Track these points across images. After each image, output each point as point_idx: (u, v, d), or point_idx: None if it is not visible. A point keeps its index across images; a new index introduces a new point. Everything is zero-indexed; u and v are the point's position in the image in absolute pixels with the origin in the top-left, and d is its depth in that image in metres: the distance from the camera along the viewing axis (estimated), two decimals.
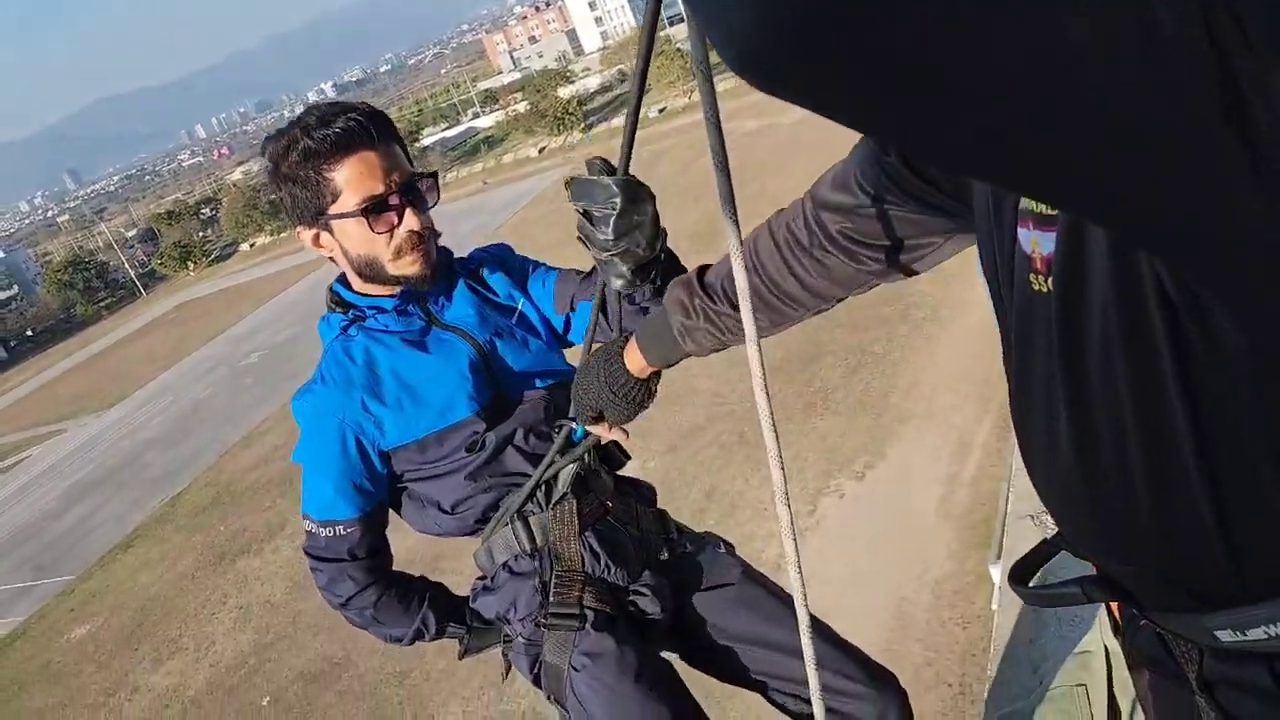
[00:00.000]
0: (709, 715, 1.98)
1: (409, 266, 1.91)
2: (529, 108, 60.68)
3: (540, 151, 52.79)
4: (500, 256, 2.17)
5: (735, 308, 1.38)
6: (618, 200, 1.44)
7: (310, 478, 1.98)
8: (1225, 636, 0.88)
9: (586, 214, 1.49)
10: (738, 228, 1.16)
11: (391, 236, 1.87)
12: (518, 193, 39.97)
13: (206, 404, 25.87)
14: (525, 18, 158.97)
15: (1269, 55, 0.50)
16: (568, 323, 2.10)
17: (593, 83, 69.26)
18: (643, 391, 1.61)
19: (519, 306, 2.09)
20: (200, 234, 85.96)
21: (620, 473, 2.14)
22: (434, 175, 1.95)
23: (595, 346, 1.67)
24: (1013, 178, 0.62)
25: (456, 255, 2.11)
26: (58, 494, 24.38)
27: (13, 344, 79.58)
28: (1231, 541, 0.81)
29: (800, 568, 1.28)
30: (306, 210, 1.87)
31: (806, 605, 1.33)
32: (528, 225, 30.80)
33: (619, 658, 1.88)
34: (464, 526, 2.03)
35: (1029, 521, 3.49)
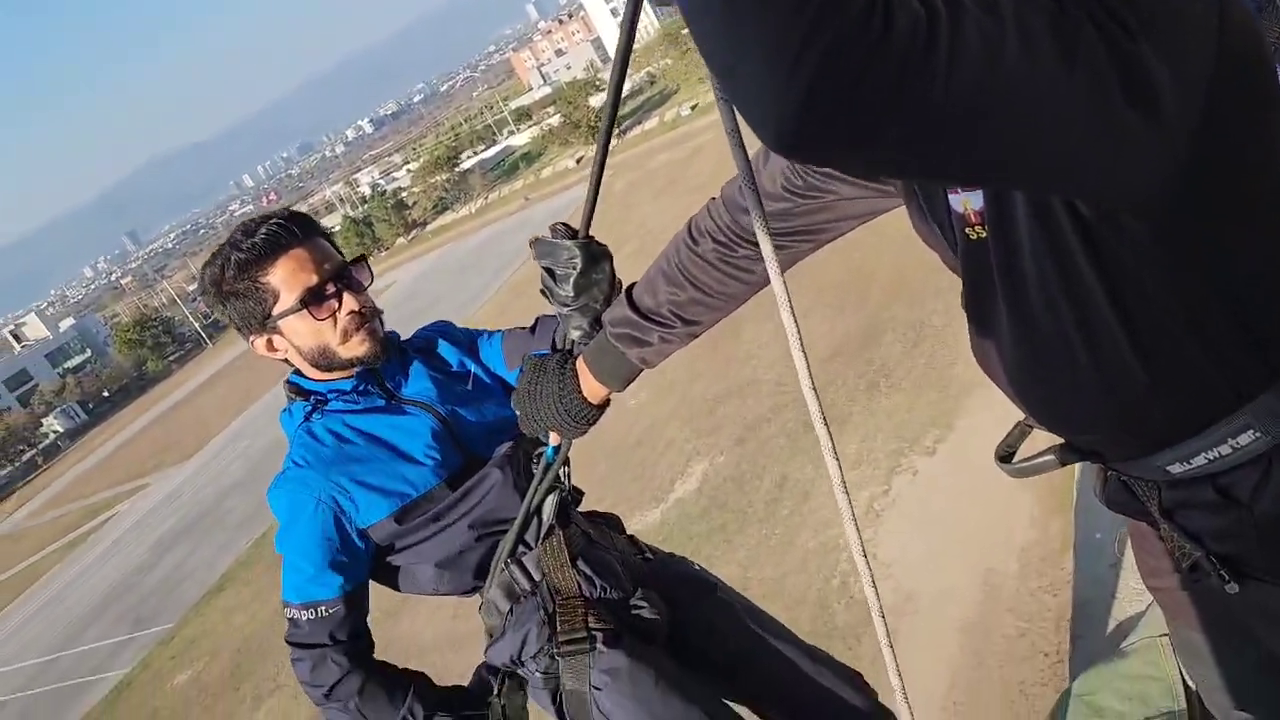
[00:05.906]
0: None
1: (359, 347, 2.02)
2: (562, 120, 60.99)
3: (578, 161, 53.05)
4: (444, 330, 2.32)
5: (681, 320, 1.55)
6: (578, 261, 1.58)
7: (291, 563, 2.03)
8: (1175, 469, 1.11)
9: (550, 271, 1.62)
10: (765, 223, 1.23)
11: (335, 321, 1.99)
12: (560, 204, 40.22)
13: (282, 444, 26.46)
14: (550, 31, 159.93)
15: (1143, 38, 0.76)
16: None
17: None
18: (598, 414, 1.70)
19: (472, 372, 2.22)
20: None
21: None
22: (363, 258, 2.08)
23: (530, 361, 1.74)
24: (988, 179, 0.93)
25: (412, 332, 2.27)
26: (148, 546, 25.11)
27: (91, 406, 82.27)
28: (1162, 394, 1.03)
29: (865, 552, 1.31)
30: (253, 319, 1.98)
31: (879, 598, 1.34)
32: None
33: (637, 667, 1.97)
34: (463, 583, 2.11)
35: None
